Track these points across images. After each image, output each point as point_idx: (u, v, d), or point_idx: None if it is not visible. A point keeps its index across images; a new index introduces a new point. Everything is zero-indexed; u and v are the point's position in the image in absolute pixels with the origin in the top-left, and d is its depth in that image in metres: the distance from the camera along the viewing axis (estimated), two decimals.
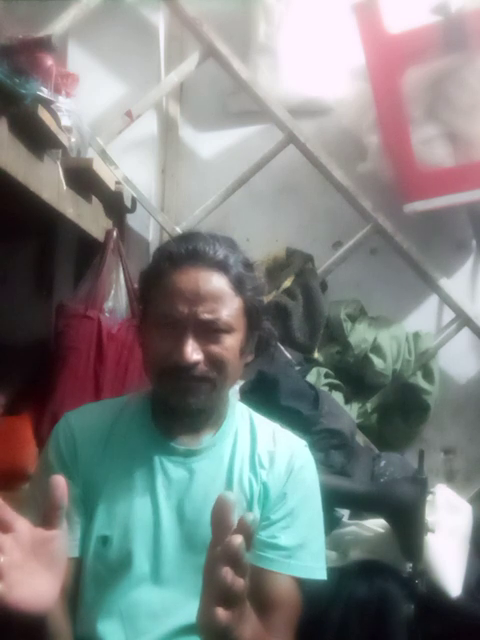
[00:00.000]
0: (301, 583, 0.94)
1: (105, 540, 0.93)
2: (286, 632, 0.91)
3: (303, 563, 0.94)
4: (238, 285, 0.93)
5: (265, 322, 1.00)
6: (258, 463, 0.98)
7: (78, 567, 0.93)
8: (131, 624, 0.91)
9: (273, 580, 0.92)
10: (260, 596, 0.91)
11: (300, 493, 0.97)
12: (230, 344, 0.91)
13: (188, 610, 0.89)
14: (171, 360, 0.89)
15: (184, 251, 0.93)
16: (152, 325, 0.93)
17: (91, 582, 0.93)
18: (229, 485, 0.96)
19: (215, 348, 0.90)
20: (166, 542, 0.93)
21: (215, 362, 0.91)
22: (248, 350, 0.97)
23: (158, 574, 0.93)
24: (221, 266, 0.92)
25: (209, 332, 0.90)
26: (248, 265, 0.96)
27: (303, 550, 0.94)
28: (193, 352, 0.89)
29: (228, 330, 0.91)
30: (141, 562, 0.92)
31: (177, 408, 0.93)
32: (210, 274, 0.91)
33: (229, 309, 0.91)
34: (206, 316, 0.89)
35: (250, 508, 0.95)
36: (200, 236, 0.95)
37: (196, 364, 0.89)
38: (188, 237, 0.96)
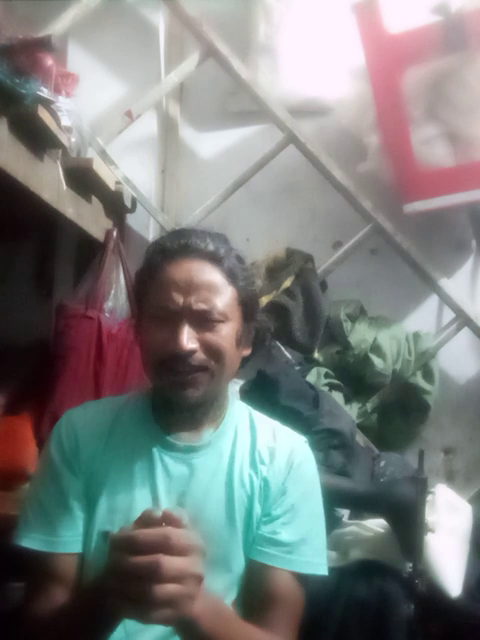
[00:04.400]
0: (303, 579, 0.94)
1: (106, 536, 0.93)
2: (289, 628, 0.92)
3: (304, 558, 0.94)
4: (231, 276, 0.94)
5: (260, 314, 1.01)
6: (258, 459, 0.98)
7: (80, 562, 0.93)
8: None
9: (275, 576, 0.92)
10: (262, 592, 0.91)
11: (301, 488, 0.98)
12: (226, 333, 0.92)
13: None
14: (168, 350, 0.90)
15: (177, 245, 0.94)
16: (148, 319, 0.94)
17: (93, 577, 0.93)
18: (229, 481, 0.96)
19: (211, 336, 0.91)
20: None
21: (212, 350, 0.91)
22: (245, 342, 0.98)
23: None
24: (213, 258, 0.94)
25: (204, 322, 0.91)
26: (240, 259, 0.98)
27: (304, 545, 0.94)
28: (189, 340, 0.89)
29: (223, 319, 0.92)
30: None
31: (176, 401, 0.94)
32: (203, 265, 0.93)
33: (223, 299, 0.92)
34: (200, 306, 0.91)
35: (251, 504, 0.95)
36: (192, 231, 0.97)
37: (192, 352, 0.90)
38: (180, 232, 0.98)
